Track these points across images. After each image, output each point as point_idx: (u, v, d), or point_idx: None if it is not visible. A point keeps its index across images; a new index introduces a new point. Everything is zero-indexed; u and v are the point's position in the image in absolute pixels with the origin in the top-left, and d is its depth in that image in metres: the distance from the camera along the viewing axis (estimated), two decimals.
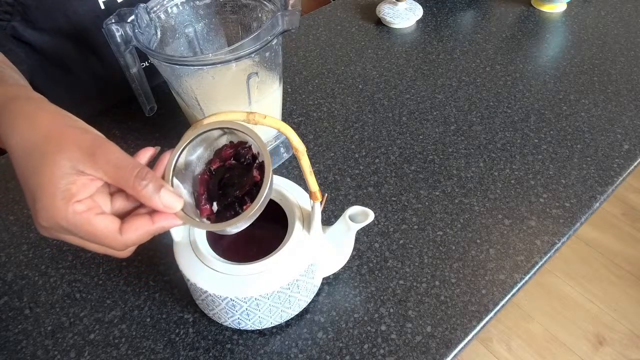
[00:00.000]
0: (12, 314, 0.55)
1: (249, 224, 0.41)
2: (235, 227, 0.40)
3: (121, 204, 0.37)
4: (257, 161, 0.42)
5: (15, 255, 0.61)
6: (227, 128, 0.41)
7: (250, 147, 0.43)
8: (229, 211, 0.41)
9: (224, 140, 0.43)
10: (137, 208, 0.38)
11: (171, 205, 0.36)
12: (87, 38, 0.69)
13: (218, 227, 0.40)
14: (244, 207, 0.40)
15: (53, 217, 0.34)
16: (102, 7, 0.67)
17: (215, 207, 0.42)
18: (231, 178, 0.42)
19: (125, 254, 0.39)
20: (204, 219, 0.41)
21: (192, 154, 0.42)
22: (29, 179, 0.35)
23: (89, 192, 0.35)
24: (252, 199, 0.39)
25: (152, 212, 0.37)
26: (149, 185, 0.35)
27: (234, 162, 0.43)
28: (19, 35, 0.65)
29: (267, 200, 0.40)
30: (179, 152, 0.41)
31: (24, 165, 0.35)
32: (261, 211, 0.40)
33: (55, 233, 0.36)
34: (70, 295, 0.57)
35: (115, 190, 0.38)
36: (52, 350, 0.52)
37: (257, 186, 0.40)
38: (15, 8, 0.62)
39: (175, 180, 0.40)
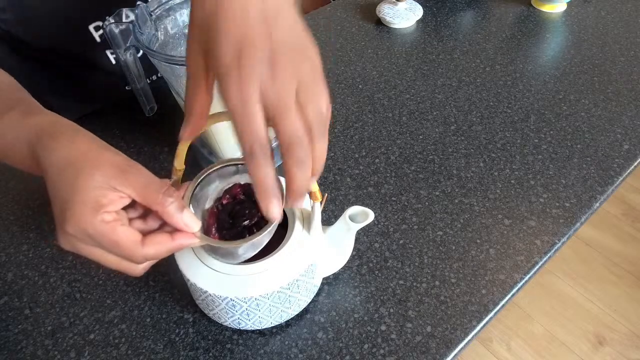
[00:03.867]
0: (12, 314, 0.55)
1: (257, 250, 0.43)
2: (247, 249, 0.42)
3: (139, 227, 0.40)
4: None
5: (15, 255, 0.61)
6: (242, 164, 0.44)
7: None
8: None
9: (234, 180, 0.45)
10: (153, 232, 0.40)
11: (191, 225, 0.38)
12: (87, 40, 0.68)
13: (234, 244, 0.41)
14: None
15: (81, 224, 0.35)
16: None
17: (225, 236, 0.43)
18: (241, 210, 0.44)
19: (139, 270, 0.40)
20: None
21: (204, 187, 0.44)
22: (62, 189, 0.37)
23: (115, 207, 0.37)
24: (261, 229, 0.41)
25: (172, 232, 0.39)
26: (174, 204, 0.37)
27: (243, 197, 0.45)
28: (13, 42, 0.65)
29: (276, 224, 0.41)
30: (197, 183, 0.42)
31: (59, 178, 0.37)
32: (272, 234, 0.42)
33: (77, 242, 0.37)
34: (70, 295, 0.57)
35: (133, 217, 0.40)
36: (52, 350, 0.52)
37: (265, 218, 0.42)
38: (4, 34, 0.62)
39: (191, 208, 0.42)
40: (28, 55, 0.66)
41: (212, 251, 0.46)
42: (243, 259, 0.44)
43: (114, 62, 0.71)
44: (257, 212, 0.43)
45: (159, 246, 0.38)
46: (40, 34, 0.63)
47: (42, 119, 0.43)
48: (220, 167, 0.44)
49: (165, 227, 0.39)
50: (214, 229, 0.43)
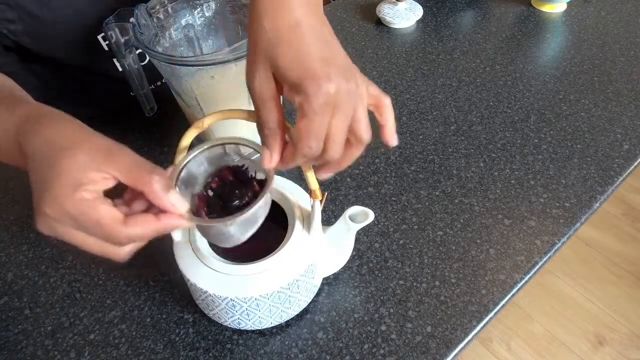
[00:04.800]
0: (12, 314, 0.55)
1: (251, 231, 0.42)
2: (239, 229, 0.41)
3: (123, 211, 0.38)
4: (256, 178, 0.44)
5: (15, 255, 0.61)
6: (234, 143, 0.43)
7: (247, 169, 0.44)
8: None
9: (223, 162, 0.45)
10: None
11: (177, 205, 0.37)
12: (95, 50, 0.68)
13: (222, 222, 0.40)
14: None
15: (60, 204, 0.35)
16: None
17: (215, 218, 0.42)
18: (231, 191, 0.43)
19: (123, 254, 0.38)
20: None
21: (193, 172, 0.43)
22: (44, 171, 0.36)
23: (97, 187, 0.36)
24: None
25: (158, 213, 0.37)
26: (160, 182, 0.36)
27: (232, 179, 0.44)
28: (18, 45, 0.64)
29: (269, 198, 0.41)
30: (182, 165, 0.42)
31: (42, 161, 0.36)
32: (266, 212, 0.42)
33: (56, 225, 0.36)
34: (70, 295, 0.57)
35: (117, 204, 0.38)
36: (52, 350, 0.52)
37: (256, 197, 0.41)
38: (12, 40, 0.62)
39: (178, 191, 0.41)
40: (35, 62, 0.66)
41: (206, 235, 0.45)
42: (238, 241, 0.43)
43: (120, 69, 0.72)
44: (247, 193, 0.42)
45: (143, 226, 0.36)
46: (49, 45, 0.63)
47: (28, 108, 0.42)
48: (207, 148, 0.43)
49: (151, 210, 0.38)
50: (204, 213, 0.42)
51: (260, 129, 0.39)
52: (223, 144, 0.43)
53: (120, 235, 0.36)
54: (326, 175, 0.41)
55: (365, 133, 0.38)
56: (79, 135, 0.38)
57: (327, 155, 0.37)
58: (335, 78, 0.35)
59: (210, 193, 0.43)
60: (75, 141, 0.37)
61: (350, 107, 0.37)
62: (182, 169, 0.41)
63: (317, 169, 0.41)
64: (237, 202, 0.42)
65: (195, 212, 0.41)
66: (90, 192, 0.35)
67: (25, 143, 0.38)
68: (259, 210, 0.41)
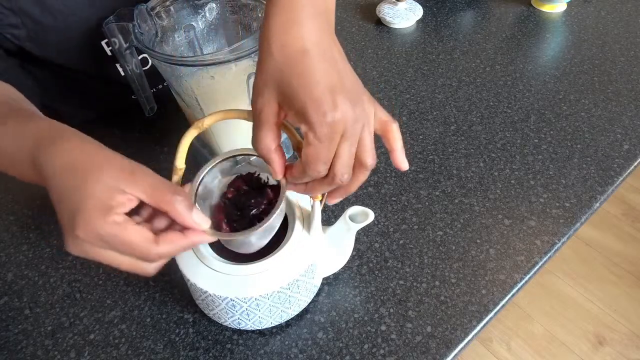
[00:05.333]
0: (12, 314, 0.55)
1: (270, 236, 0.44)
2: (260, 236, 0.43)
3: (147, 228, 0.39)
4: (268, 184, 0.45)
5: (15, 255, 0.61)
6: (244, 155, 0.44)
7: (258, 176, 0.46)
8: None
9: (234, 172, 0.46)
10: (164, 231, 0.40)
11: (200, 223, 0.39)
12: (98, 55, 0.68)
13: (244, 235, 0.41)
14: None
15: (93, 228, 0.36)
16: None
17: (236, 228, 0.44)
18: (247, 200, 0.44)
19: (152, 269, 0.40)
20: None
21: (207, 185, 0.45)
22: (69, 194, 0.37)
23: (125, 209, 0.37)
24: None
25: (182, 230, 0.39)
26: (183, 202, 0.38)
27: (246, 187, 0.46)
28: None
29: (284, 204, 0.43)
30: (199, 182, 0.43)
31: (65, 183, 0.37)
32: (282, 217, 0.44)
33: (89, 247, 0.37)
34: (70, 295, 0.57)
35: (139, 222, 0.39)
36: (52, 350, 0.52)
37: (271, 204, 0.43)
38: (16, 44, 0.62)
39: (197, 206, 0.42)
40: (36, 65, 0.66)
41: (227, 244, 0.46)
42: (259, 247, 0.44)
43: (122, 73, 0.72)
44: (262, 200, 0.44)
45: (173, 243, 0.38)
46: (52, 50, 0.63)
47: (42, 125, 0.43)
48: (219, 162, 0.44)
49: (174, 227, 0.39)
50: (224, 224, 0.43)
51: (255, 148, 0.39)
52: (234, 156, 0.44)
53: (152, 254, 0.37)
54: (336, 200, 0.42)
55: (369, 158, 0.38)
56: (101, 156, 0.39)
57: (335, 180, 0.38)
58: (342, 106, 0.35)
59: (227, 203, 0.45)
60: (98, 163, 0.38)
61: (357, 133, 0.37)
62: (199, 185, 0.43)
63: (326, 195, 0.42)
64: (254, 210, 0.43)
65: (214, 223, 0.42)
66: (120, 215, 0.36)
67: (43, 162, 0.39)
68: (277, 217, 0.42)
